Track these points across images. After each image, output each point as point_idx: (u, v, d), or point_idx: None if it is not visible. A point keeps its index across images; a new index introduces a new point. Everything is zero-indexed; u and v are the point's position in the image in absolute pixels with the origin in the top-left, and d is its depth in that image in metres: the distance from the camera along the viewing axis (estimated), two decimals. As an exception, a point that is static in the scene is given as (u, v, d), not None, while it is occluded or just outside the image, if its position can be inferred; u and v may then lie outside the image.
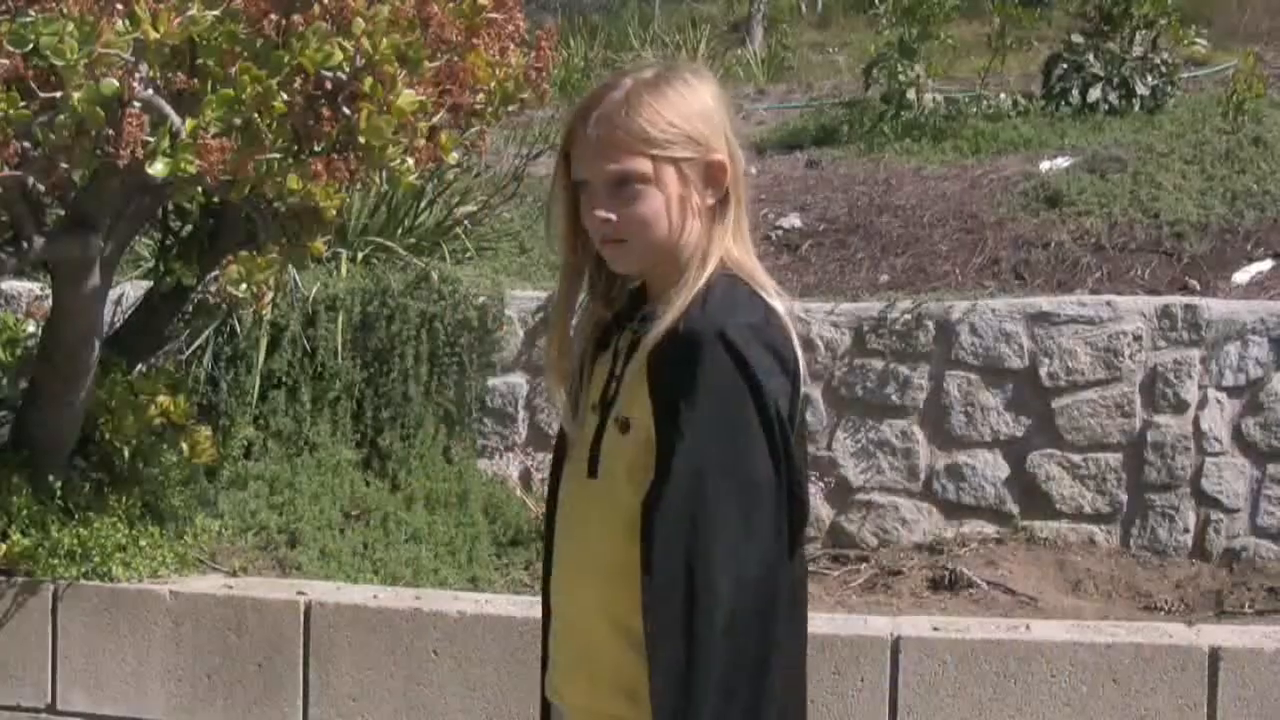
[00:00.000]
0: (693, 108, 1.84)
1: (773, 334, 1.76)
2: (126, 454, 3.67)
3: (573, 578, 1.86)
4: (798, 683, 1.87)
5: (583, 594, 1.83)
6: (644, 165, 1.80)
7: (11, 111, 2.67)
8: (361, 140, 2.87)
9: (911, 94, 6.67)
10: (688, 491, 1.70)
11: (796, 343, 1.79)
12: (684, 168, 1.82)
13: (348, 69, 2.85)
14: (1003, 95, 6.87)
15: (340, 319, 4.53)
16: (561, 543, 1.90)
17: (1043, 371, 4.32)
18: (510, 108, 3.26)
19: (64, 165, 2.85)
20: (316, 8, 2.80)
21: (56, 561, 3.50)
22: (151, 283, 3.98)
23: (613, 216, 1.81)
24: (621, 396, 1.82)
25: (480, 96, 3.15)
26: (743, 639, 1.69)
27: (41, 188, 3.00)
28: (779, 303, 1.80)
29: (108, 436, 3.64)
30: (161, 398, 3.64)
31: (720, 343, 1.71)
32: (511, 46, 3.21)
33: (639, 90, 1.82)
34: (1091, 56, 6.60)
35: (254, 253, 3.08)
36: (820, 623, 3.08)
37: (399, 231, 5.13)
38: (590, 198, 1.83)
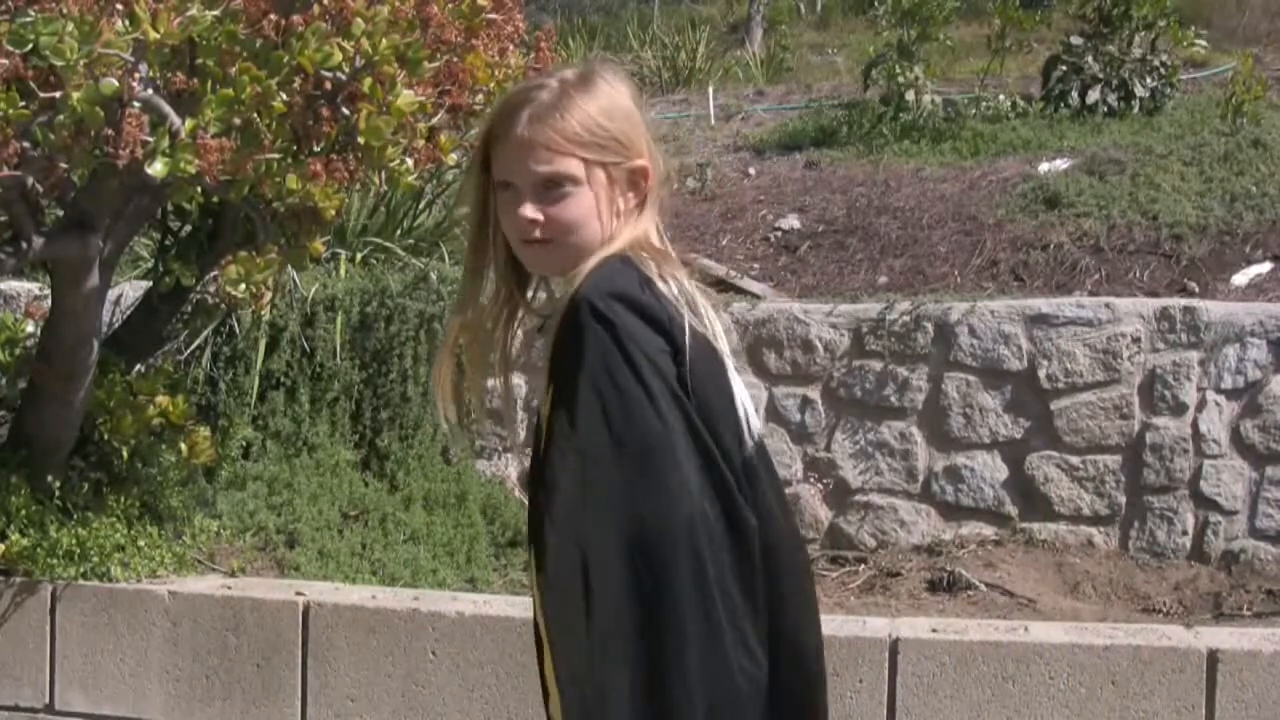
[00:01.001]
0: (619, 109, 1.82)
1: (643, 298, 1.69)
2: (125, 454, 3.66)
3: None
4: (793, 641, 1.75)
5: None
6: (575, 167, 1.77)
7: (11, 111, 2.67)
8: (361, 141, 2.87)
9: (910, 95, 6.67)
10: (569, 472, 1.65)
11: (686, 307, 1.71)
12: (611, 170, 1.79)
13: (347, 69, 2.85)
14: (1002, 97, 6.88)
15: (339, 319, 4.53)
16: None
17: (1041, 373, 4.33)
18: (510, 108, 3.25)
19: (63, 165, 2.85)
20: (316, 8, 2.80)
21: (55, 561, 3.49)
22: (150, 283, 3.98)
23: (540, 217, 1.76)
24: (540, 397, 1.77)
25: (479, 97, 3.15)
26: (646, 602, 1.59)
27: (41, 188, 3.00)
28: (677, 278, 1.74)
29: (106, 436, 3.63)
30: (160, 398, 3.64)
31: (584, 309, 1.68)
32: (511, 47, 3.21)
33: (569, 91, 1.79)
34: (1090, 58, 6.61)
35: (253, 253, 3.08)
36: (819, 624, 3.08)
37: (398, 232, 5.13)
38: (514, 198, 1.78)
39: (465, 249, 1.91)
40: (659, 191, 1.83)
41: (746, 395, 1.77)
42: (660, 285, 1.71)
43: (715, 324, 1.75)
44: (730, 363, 1.77)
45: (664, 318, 1.69)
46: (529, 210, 1.76)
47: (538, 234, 1.78)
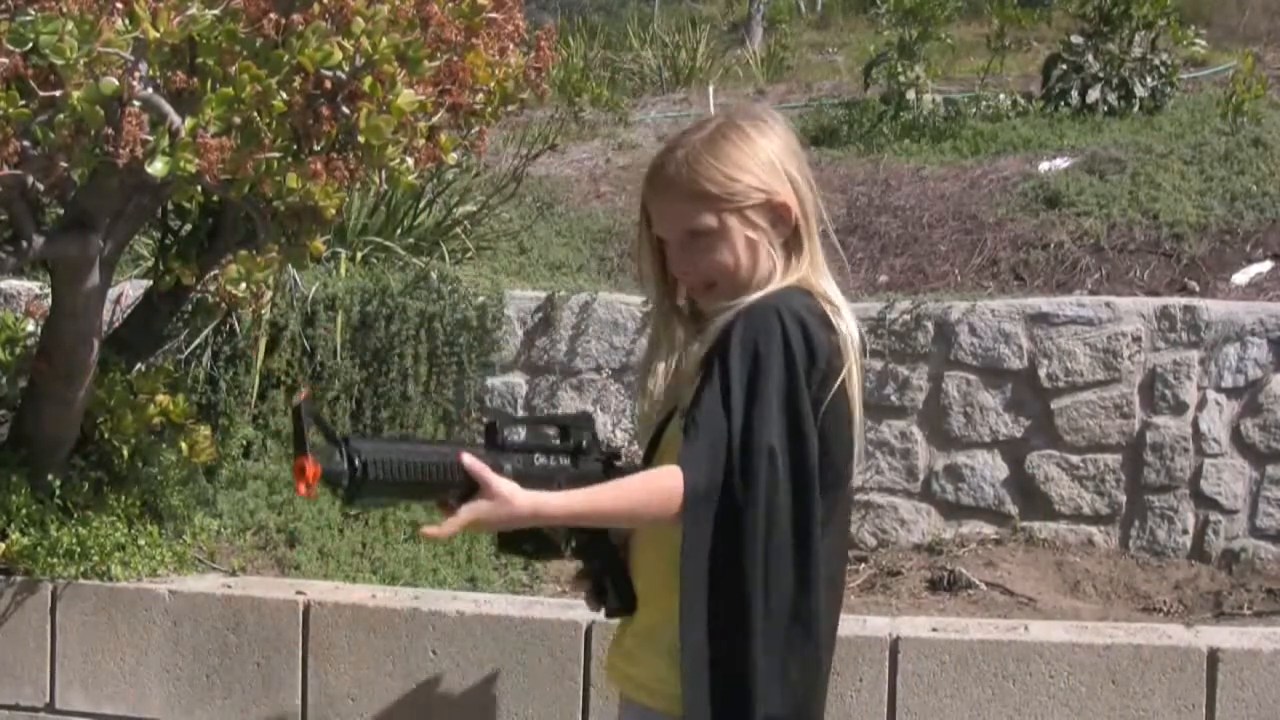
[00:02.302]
0: (749, 158, 1.99)
1: (809, 319, 1.94)
2: (125, 453, 3.67)
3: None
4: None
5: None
6: (709, 220, 1.97)
7: (11, 110, 2.67)
8: (361, 140, 2.87)
9: (911, 94, 6.67)
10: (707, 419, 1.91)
11: (842, 340, 2.00)
12: (748, 213, 1.98)
13: (347, 68, 2.85)
14: (1002, 96, 6.88)
15: (339, 318, 4.53)
16: None
17: (1042, 372, 4.33)
18: (509, 107, 3.26)
19: (63, 164, 2.85)
20: (316, 7, 2.80)
21: (55, 560, 3.50)
22: (151, 282, 3.98)
23: (689, 269, 2.01)
24: (685, 390, 2.00)
25: (480, 96, 3.15)
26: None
27: (41, 187, 3.00)
28: (843, 314, 2.03)
29: (107, 435, 3.63)
30: (160, 397, 3.64)
31: (771, 313, 1.91)
32: (511, 46, 3.21)
33: (697, 151, 1.98)
34: (1091, 57, 6.61)
35: (253, 252, 3.08)
36: (819, 623, 3.07)
37: (398, 231, 5.14)
38: (670, 252, 2.03)
39: (654, 295, 2.14)
40: (812, 225, 2.03)
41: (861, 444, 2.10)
42: (820, 313, 1.98)
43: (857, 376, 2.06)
44: (858, 415, 2.11)
45: (819, 340, 1.95)
46: (678, 265, 2.03)
47: (693, 282, 2.03)
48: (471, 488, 1.97)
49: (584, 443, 2.18)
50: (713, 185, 1.97)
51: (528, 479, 2.03)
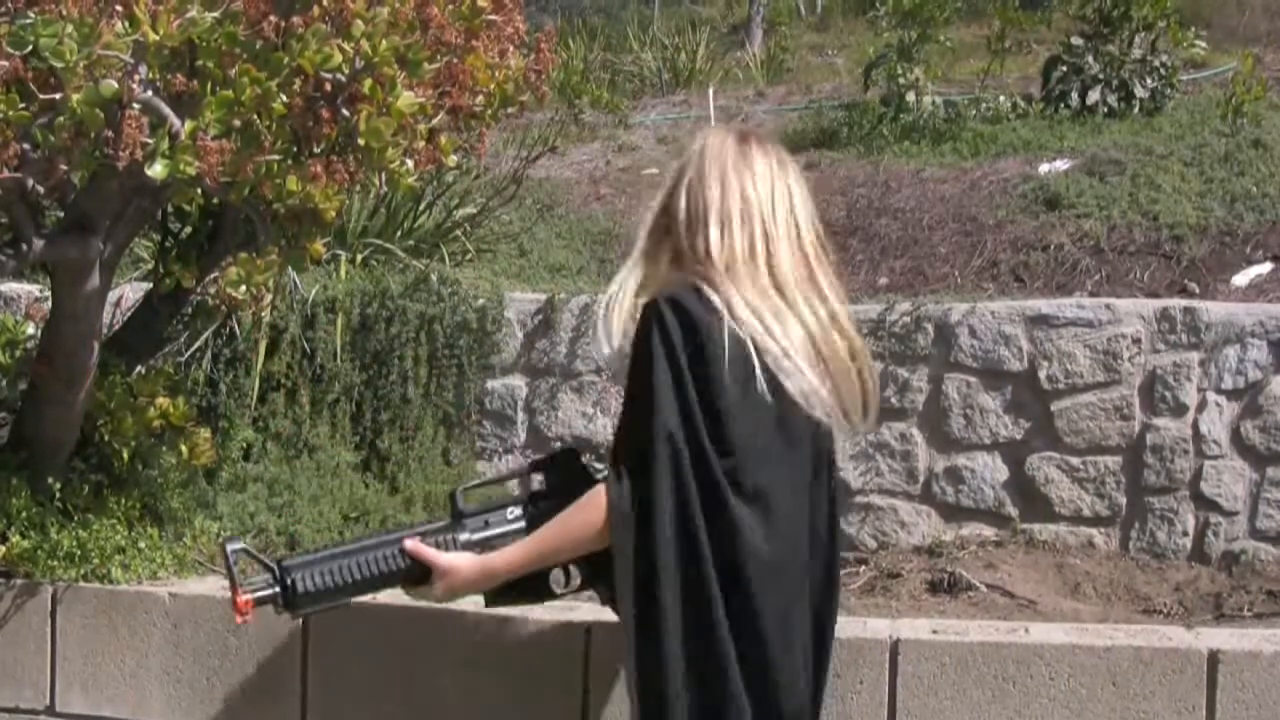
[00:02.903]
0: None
1: (684, 297, 2.19)
2: (125, 456, 3.66)
3: None
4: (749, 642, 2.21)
5: None
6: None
7: (11, 113, 2.67)
8: (361, 142, 2.87)
9: (911, 96, 6.68)
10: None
11: (725, 323, 2.17)
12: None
13: (347, 71, 2.85)
14: (1002, 98, 6.88)
15: (339, 321, 4.54)
16: None
17: (1042, 374, 4.33)
18: (509, 110, 3.26)
19: (63, 167, 2.85)
20: (316, 9, 2.80)
21: (55, 563, 3.49)
22: (150, 284, 3.97)
23: None
24: None
25: (480, 99, 3.15)
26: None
27: (41, 189, 3.00)
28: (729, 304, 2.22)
29: (107, 438, 3.63)
30: (160, 399, 3.64)
31: (645, 306, 2.21)
32: (511, 49, 3.21)
33: None
34: (1090, 59, 6.61)
35: (253, 255, 3.08)
36: (819, 625, 3.07)
37: (398, 233, 5.14)
38: None
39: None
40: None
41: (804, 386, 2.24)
42: (703, 300, 2.21)
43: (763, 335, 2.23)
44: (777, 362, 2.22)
45: (700, 323, 2.18)
46: None
47: None
48: (425, 568, 2.28)
49: (535, 489, 2.42)
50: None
51: (492, 541, 2.31)
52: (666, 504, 2.14)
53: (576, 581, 2.37)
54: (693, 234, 2.29)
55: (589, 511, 2.21)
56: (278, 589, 2.32)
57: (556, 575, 2.37)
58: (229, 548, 2.34)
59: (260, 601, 2.33)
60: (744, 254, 2.27)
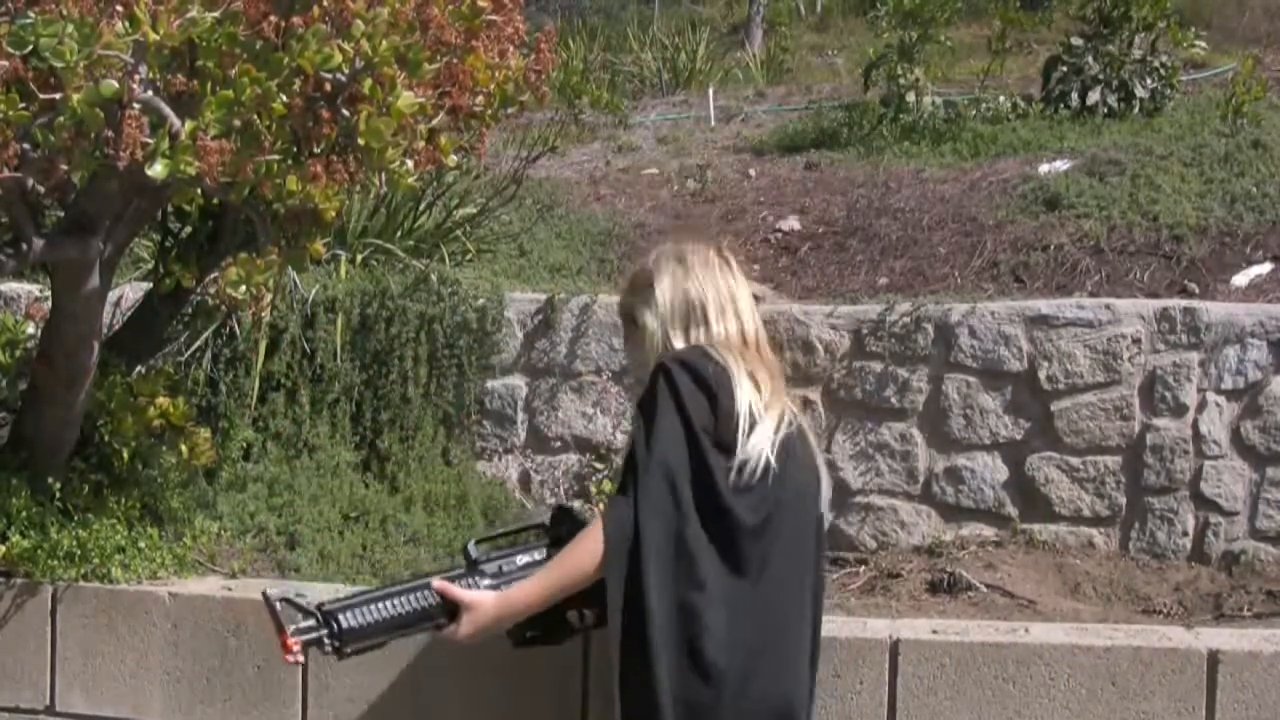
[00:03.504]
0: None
1: (699, 364, 2.47)
2: (125, 456, 3.67)
3: None
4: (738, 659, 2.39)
5: None
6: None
7: (11, 113, 2.67)
8: (361, 142, 2.87)
9: (911, 97, 6.68)
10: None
11: (733, 381, 2.44)
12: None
13: (347, 71, 2.85)
14: (1002, 98, 6.88)
15: (339, 321, 4.54)
16: None
17: (1042, 374, 4.33)
18: (509, 110, 3.26)
19: (63, 167, 2.85)
20: (316, 10, 2.80)
21: (55, 563, 3.50)
22: (151, 284, 3.98)
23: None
24: None
25: (479, 99, 3.15)
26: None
27: (41, 189, 3.00)
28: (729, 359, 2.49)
29: (107, 438, 3.63)
30: (161, 399, 3.64)
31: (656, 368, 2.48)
32: (511, 49, 3.21)
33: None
34: (1091, 59, 6.61)
35: (253, 255, 3.08)
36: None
37: (398, 233, 5.14)
38: None
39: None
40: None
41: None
42: (711, 359, 2.50)
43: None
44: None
45: (709, 380, 2.45)
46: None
47: None
48: (454, 607, 2.49)
49: (534, 537, 2.67)
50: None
51: (510, 580, 2.53)
52: (654, 525, 2.36)
53: (590, 620, 2.57)
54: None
55: (591, 540, 2.39)
56: (324, 631, 2.47)
57: (573, 615, 2.57)
58: (272, 596, 2.47)
59: (309, 644, 2.46)
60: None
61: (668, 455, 2.36)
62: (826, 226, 5.61)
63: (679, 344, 2.58)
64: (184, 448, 3.71)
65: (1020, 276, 4.98)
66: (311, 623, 2.47)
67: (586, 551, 2.39)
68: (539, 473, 4.64)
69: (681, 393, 2.40)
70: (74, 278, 3.31)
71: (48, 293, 3.73)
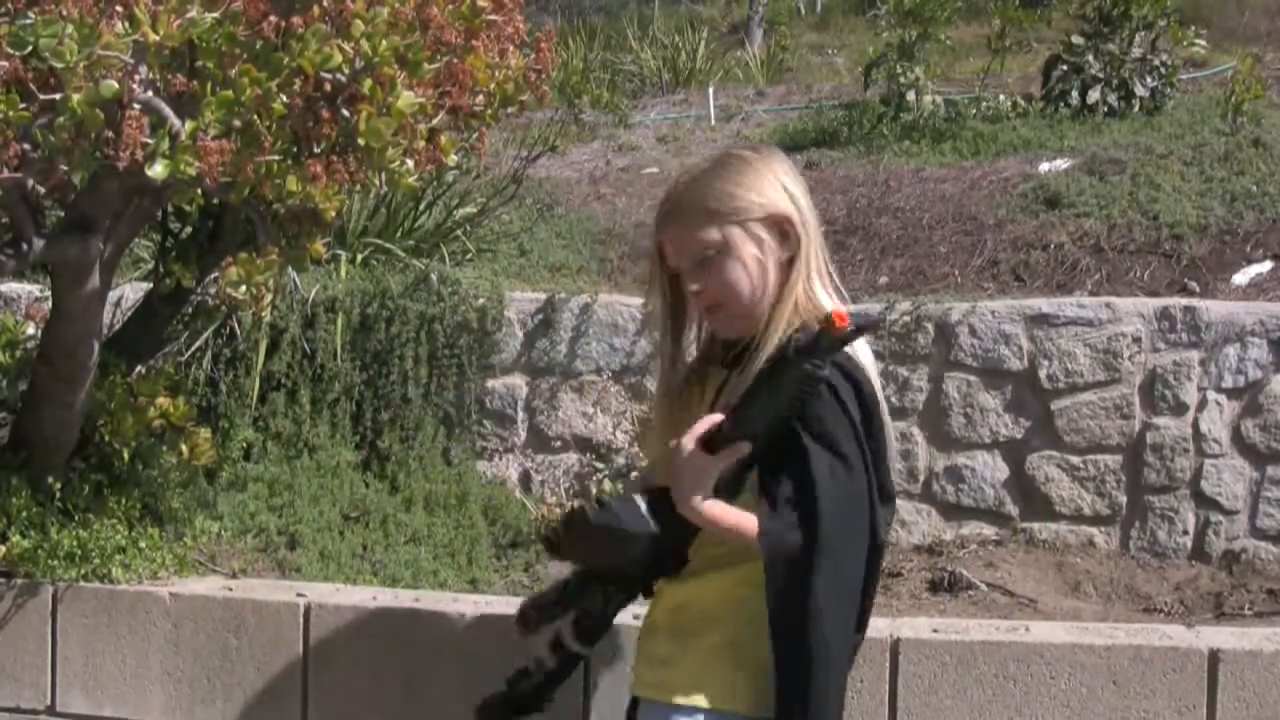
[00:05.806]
0: (746, 176, 2.09)
1: (854, 372, 2.06)
2: (126, 456, 3.66)
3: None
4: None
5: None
6: (713, 234, 2.07)
7: (11, 113, 2.67)
8: (361, 142, 2.87)
9: (911, 96, 6.68)
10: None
11: (868, 368, 2.10)
12: (750, 227, 2.07)
13: (347, 71, 2.85)
14: (1002, 97, 6.88)
15: (339, 321, 4.54)
16: None
17: (1042, 373, 4.33)
18: (509, 110, 3.26)
19: (63, 167, 2.84)
20: (316, 10, 2.80)
21: (56, 563, 3.50)
22: (151, 284, 3.98)
23: (698, 286, 2.09)
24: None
25: (480, 98, 3.15)
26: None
27: (41, 190, 3.00)
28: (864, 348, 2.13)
29: (107, 438, 3.63)
30: (161, 399, 3.64)
31: (824, 385, 2.00)
32: (511, 48, 3.21)
33: (696, 176, 2.12)
34: (1091, 58, 6.61)
35: (253, 255, 3.08)
36: (819, 624, 3.07)
37: (398, 233, 5.14)
38: (685, 280, 2.12)
39: (660, 337, 2.24)
40: (813, 240, 2.12)
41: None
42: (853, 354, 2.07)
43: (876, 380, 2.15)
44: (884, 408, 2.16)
45: (871, 400, 2.09)
46: (693, 285, 2.10)
47: (705, 301, 2.11)
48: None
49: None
50: (712, 199, 2.07)
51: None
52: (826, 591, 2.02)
53: (552, 665, 2.45)
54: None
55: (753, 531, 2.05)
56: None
57: (543, 652, 2.45)
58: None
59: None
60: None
61: (847, 523, 2.01)
62: (827, 225, 5.60)
63: (823, 297, 2.10)
64: (184, 448, 3.70)
65: (1020, 275, 4.98)
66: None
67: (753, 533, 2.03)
68: (539, 472, 4.64)
69: (859, 432, 2.03)
70: (74, 278, 3.31)
71: (48, 293, 3.73)
